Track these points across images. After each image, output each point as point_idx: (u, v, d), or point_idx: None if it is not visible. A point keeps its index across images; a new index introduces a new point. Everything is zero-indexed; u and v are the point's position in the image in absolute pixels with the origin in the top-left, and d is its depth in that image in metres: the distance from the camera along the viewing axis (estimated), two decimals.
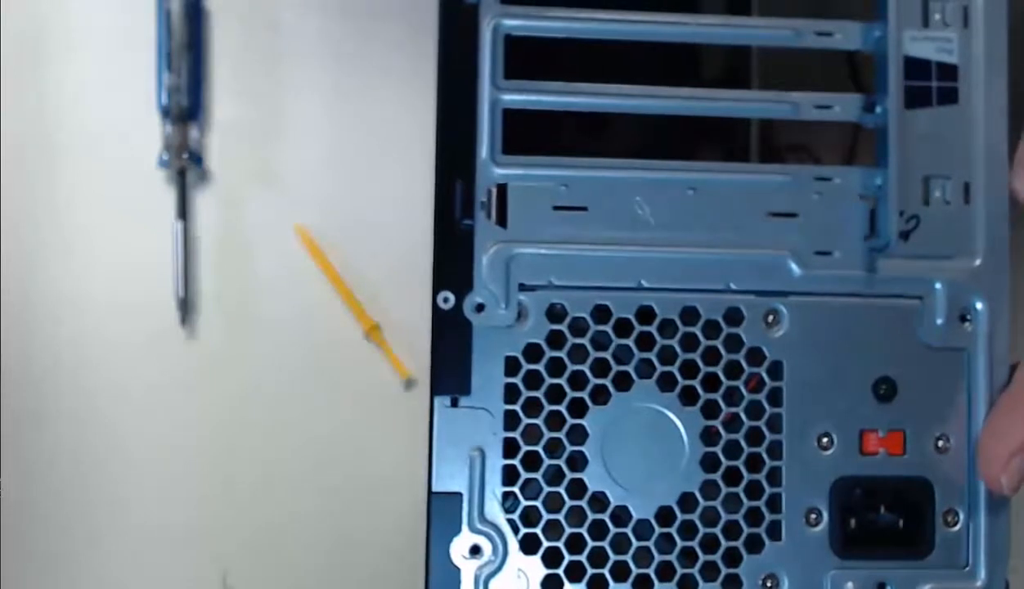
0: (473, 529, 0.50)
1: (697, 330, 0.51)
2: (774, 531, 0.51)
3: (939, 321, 0.52)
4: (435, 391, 0.51)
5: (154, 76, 0.65)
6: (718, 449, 0.51)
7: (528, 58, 0.53)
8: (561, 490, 0.51)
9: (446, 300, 0.51)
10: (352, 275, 0.65)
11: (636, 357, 0.51)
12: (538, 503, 0.50)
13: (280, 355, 0.64)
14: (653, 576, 0.50)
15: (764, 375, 0.52)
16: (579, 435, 0.51)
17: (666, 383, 0.51)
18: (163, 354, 0.64)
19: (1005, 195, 0.53)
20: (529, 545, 0.50)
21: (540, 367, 0.51)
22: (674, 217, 0.52)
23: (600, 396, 0.51)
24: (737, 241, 0.52)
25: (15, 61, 0.65)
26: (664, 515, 0.51)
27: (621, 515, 0.51)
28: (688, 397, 0.51)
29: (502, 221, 0.51)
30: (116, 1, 0.65)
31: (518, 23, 0.52)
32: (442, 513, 0.50)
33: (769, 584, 0.51)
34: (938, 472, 0.52)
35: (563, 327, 0.51)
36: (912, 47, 0.52)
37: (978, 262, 0.52)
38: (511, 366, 0.51)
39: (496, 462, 0.50)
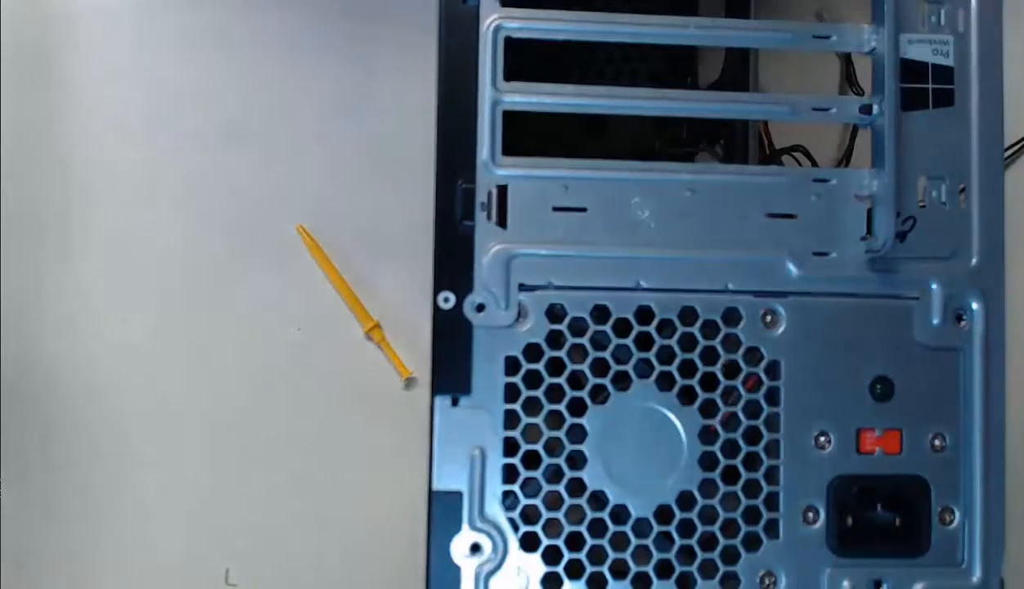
0: (473, 527, 0.50)
1: (695, 330, 0.52)
2: (772, 529, 0.51)
3: (935, 321, 0.52)
4: (435, 390, 0.51)
5: (156, 74, 0.65)
6: (716, 448, 0.51)
7: (528, 60, 0.53)
8: (560, 488, 0.51)
9: (446, 300, 0.51)
10: (352, 275, 0.65)
11: (635, 357, 0.52)
12: (538, 501, 0.51)
13: (281, 355, 0.64)
14: (652, 574, 0.51)
15: (762, 375, 0.52)
16: (578, 434, 0.51)
17: (665, 382, 0.52)
18: (164, 354, 0.64)
19: (1001, 196, 0.53)
20: (529, 543, 0.51)
21: (540, 367, 0.51)
22: (673, 218, 0.52)
23: (599, 395, 0.52)
24: (735, 242, 0.52)
25: (19, 61, 0.65)
26: (663, 513, 0.51)
27: (620, 513, 0.51)
28: (687, 396, 0.52)
29: (502, 222, 0.52)
30: (118, 3, 0.65)
31: (518, 25, 0.52)
32: (442, 512, 0.50)
33: (767, 582, 0.51)
34: (934, 471, 0.52)
35: (563, 327, 0.51)
36: (909, 50, 0.53)
37: (974, 262, 0.53)
38: (511, 366, 0.51)
39: (496, 461, 0.51)
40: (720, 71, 0.62)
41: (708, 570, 0.51)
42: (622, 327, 0.52)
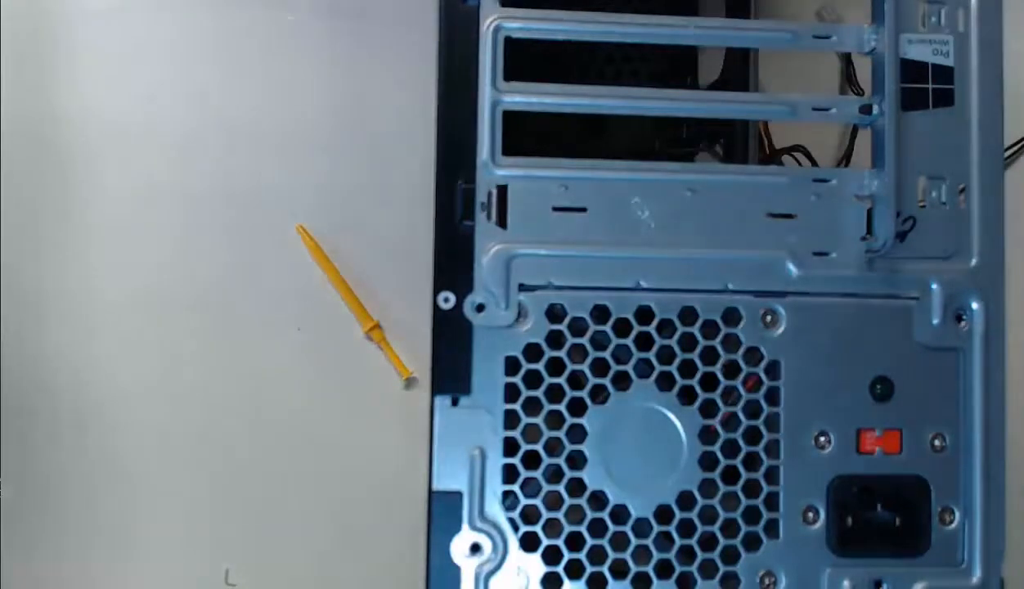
0: (473, 527, 0.50)
1: (695, 330, 0.52)
2: (772, 529, 0.51)
3: (935, 321, 0.52)
4: (435, 390, 0.51)
5: (155, 74, 0.65)
6: (716, 448, 0.51)
7: (528, 60, 0.53)
8: (560, 488, 0.51)
9: (446, 300, 0.51)
10: (352, 275, 0.65)
11: (635, 357, 0.52)
12: (538, 501, 0.51)
13: (281, 355, 0.64)
14: (652, 574, 0.51)
15: (762, 375, 0.52)
16: (578, 434, 0.51)
17: (665, 382, 0.52)
18: (164, 354, 0.64)
19: (1002, 196, 0.53)
20: (529, 543, 0.51)
21: (540, 367, 0.51)
22: (673, 218, 0.52)
23: (599, 395, 0.52)
24: (735, 242, 0.52)
25: (19, 61, 0.65)
26: (663, 513, 0.51)
27: (620, 513, 0.51)
28: (687, 396, 0.52)
29: (502, 222, 0.52)
30: (118, 3, 0.65)
31: (518, 25, 0.52)
32: (442, 512, 0.50)
33: (767, 582, 0.51)
34: (934, 471, 0.52)
35: (563, 327, 0.51)
36: (909, 50, 0.53)
37: (974, 262, 0.53)
38: (511, 366, 0.51)
39: (496, 461, 0.51)
40: (720, 71, 0.62)
41: (708, 570, 0.51)
42: (622, 327, 0.52)
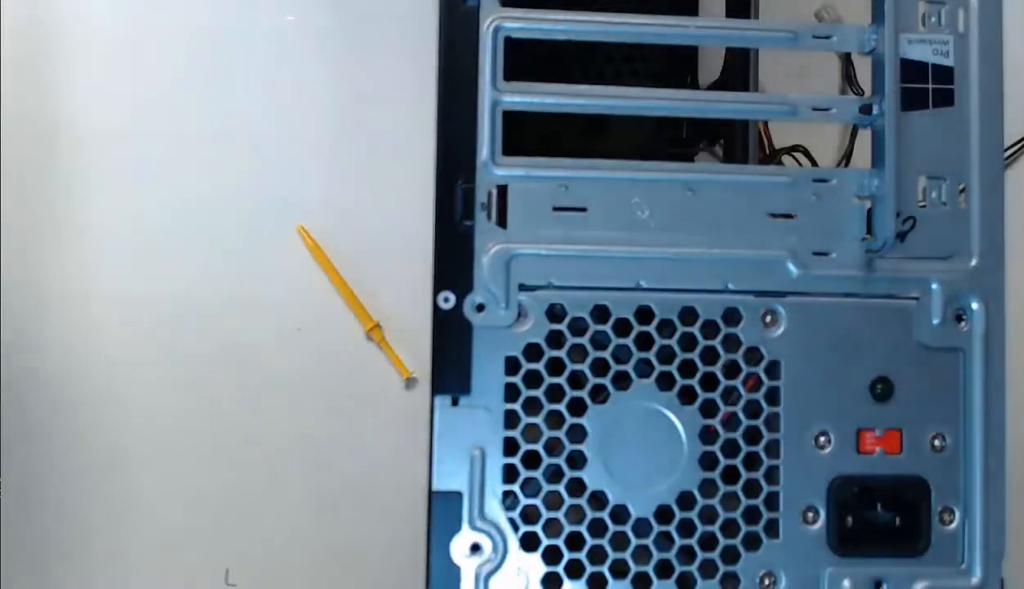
0: (473, 527, 0.50)
1: (695, 330, 0.52)
2: (772, 529, 0.51)
3: (935, 321, 0.52)
4: (436, 390, 0.51)
5: (155, 74, 0.65)
6: (716, 448, 0.51)
7: (528, 60, 0.53)
8: (560, 488, 0.51)
9: (447, 300, 0.51)
10: (353, 275, 0.65)
11: (635, 357, 0.52)
12: (538, 501, 0.51)
13: (281, 355, 0.64)
14: (652, 574, 0.51)
15: (762, 374, 0.52)
16: (578, 434, 0.51)
17: (665, 382, 0.52)
18: (164, 354, 0.64)
19: (1002, 196, 0.53)
20: (529, 543, 0.51)
21: (540, 367, 0.51)
22: (673, 218, 0.52)
23: (599, 395, 0.52)
24: (735, 242, 0.52)
25: (20, 61, 0.65)
26: (663, 513, 0.51)
27: (620, 513, 0.51)
28: (687, 396, 0.52)
29: (502, 222, 0.52)
30: (117, 3, 0.65)
31: (518, 25, 0.52)
32: (442, 512, 0.50)
33: (767, 582, 0.51)
34: (934, 471, 0.52)
35: (563, 327, 0.51)
36: (909, 50, 0.53)
37: (974, 262, 0.53)
38: (511, 366, 0.51)
39: (496, 461, 0.51)
40: (720, 71, 0.63)
41: (708, 570, 0.51)
42: (622, 327, 0.52)
